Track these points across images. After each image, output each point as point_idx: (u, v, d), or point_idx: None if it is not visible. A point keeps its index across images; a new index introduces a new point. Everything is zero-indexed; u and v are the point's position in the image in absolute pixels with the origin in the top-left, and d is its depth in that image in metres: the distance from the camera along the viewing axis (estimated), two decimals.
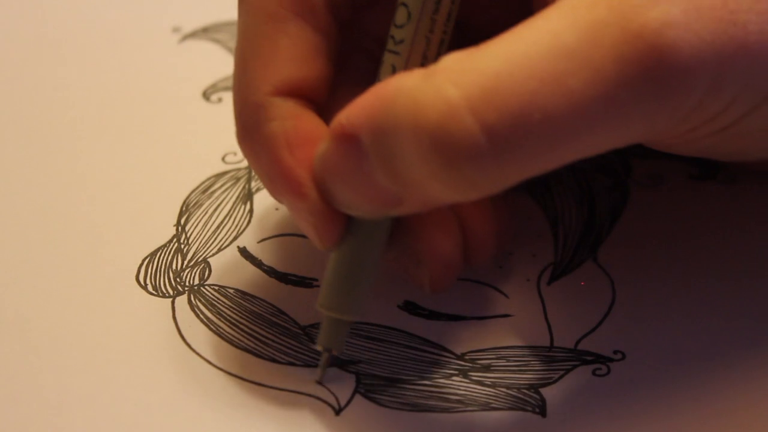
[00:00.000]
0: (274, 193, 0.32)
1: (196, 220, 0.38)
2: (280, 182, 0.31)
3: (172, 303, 0.35)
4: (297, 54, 0.32)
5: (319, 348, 0.32)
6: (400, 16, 0.30)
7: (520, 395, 0.32)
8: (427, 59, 0.30)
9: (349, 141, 0.28)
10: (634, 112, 0.27)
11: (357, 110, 0.28)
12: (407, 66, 0.30)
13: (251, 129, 0.32)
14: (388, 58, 0.30)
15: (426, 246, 0.32)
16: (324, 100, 0.32)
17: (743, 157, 0.33)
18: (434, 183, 0.27)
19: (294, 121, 0.31)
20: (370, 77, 0.31)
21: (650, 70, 0.26)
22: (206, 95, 0.43)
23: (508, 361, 0.33)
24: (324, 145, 0.30)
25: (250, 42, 0.32)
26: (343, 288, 0.31)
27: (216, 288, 0.36)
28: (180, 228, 0.38)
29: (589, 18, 0.27)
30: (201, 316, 0.35)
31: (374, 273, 0.32)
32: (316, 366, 0.33)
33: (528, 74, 0.26)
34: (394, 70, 0.30)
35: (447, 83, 0.27)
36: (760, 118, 0.29)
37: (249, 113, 0.32)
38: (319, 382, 0.33)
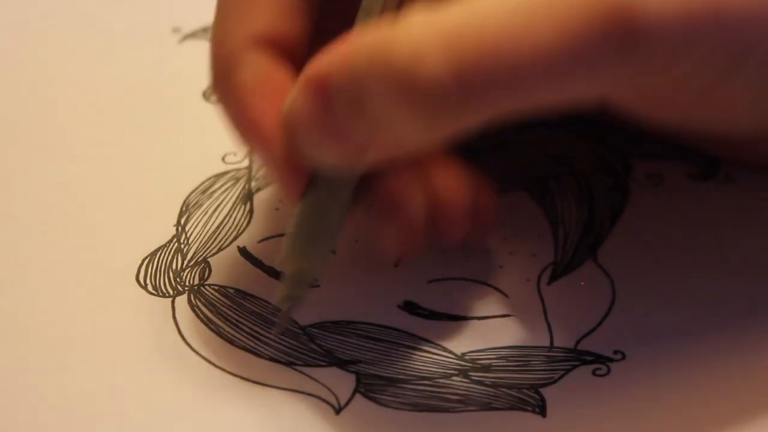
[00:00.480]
0: (241, 141, 0.32)
1: (196, 220, 0.38)
2: (246, 130, 0.31)
3: (172, 303, 0.35)
4: (276, 9, 0.32)
5: (277, 302, 0.32)
6: None
7: (520, 395, 0.32)
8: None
9: (317, 88, 0.29)
10: (599, 66, 0.27)
11: (326, 57, 0.29)
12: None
13: (224, 76, 0.32)
14: (361, 15, 0.31)
15: (387, 201, 0.32)
16: (301, 58, 0.32)
17: (724, 129, 0.33)
18: (400, 123, 0.28)
19: (266, 71, 0.32)
20: None
21: (616, 29, 0.27)
22: (206, 95, 0.43)
23: (508, 361, 0.33)
24: (292, 94, 0.30)
25: None
26: (305, 241, 0.31)
27: (216, 288, 0.36)
28: (180, 228, 0.38)
29: None
30: (201, 316, 0.35)
31: (338, 228, 0.31)
32: (316, 366, 0.33)
33: (495, 21, 0.27)
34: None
35: (417, 27, 0.27)
36: (734, 84, 0.29)
37: (223, 61, 0.32)
38: (277, 333, 0.33)
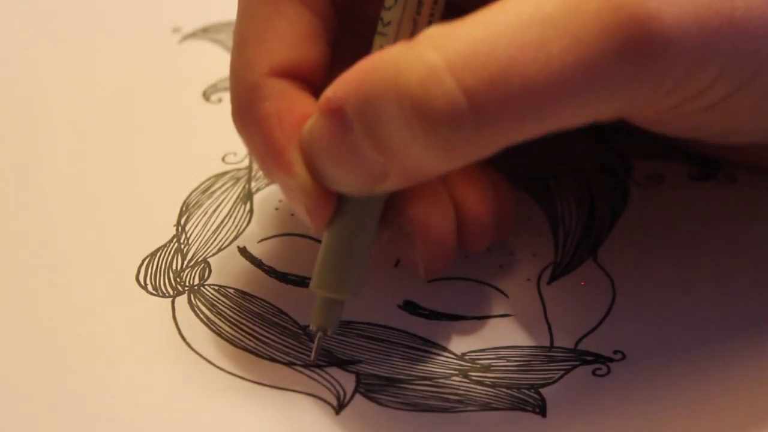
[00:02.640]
0: (265, 171, 0.32)
1: (196, 220, 0.38)
2: (270, 160, 0.31)
3: (172, 303, 0.35)
4: (294, 36, 0.32)
5: (312, 329, 0.32)
6: None
7: (520, 395, 0.32)
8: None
9: (334, 113, 0.29)
10: (615, 82, 0.27)
11: (342, 83, 0.29)
12: None
13: (246, 108, 0.32)
14: (377, 40, 0.31)
15: (417, 225, 0.32)
16: (320, 83, 0.32)
17: (733, 137, 0.33)
18: (416, 148, 0.28)
19: (288, 101, 0.31)
20: None
21: (631, 40, 0.27)
22: (206, 95, 0.43)
23: (508, 361, 0.33)
24: (311, 120, 0.30)
25: (248, 22, 0.32)
26: (336, 267, 0.31)
27: (216, 288, 0.36)
28: (180, 228, 0.38)
29: None
30: (201, 316, 0.35)
31: (367, 252, 0.32)
32: (316, 366, 0.33)
33: (508, 41, 0.27)
34: None
35: (428, 49, 0.27)
36: (747, 95, 0.29)
37: (244, 92, 0.32)
38: (312, 365, 0.33)
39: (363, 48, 0.32)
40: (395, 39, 0.30)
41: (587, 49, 0.26)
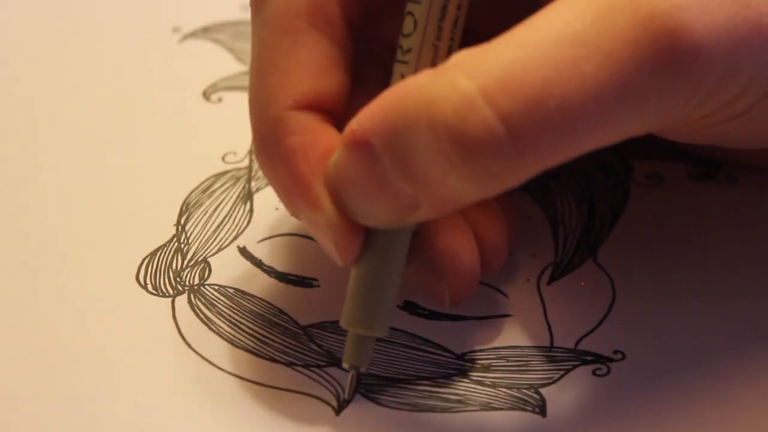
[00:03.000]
0: (291, 207, 0.32)
1: (196, 220, 0.38)
2: (297, 197, 0.31)
3: (172, 303, 0.35)
4: (315, 66, 0.31)
5: (345, 366, 0.32)
6: (407, 25, 0.30)
7: (520, 395, 0.32)
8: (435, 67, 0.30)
9: (361, 146, 0.28)
10: (650, 95, 0.27)
11: (367, 115, 0.28)
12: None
13: (270, 143, 0.31)
14: (397, 68, 0.30)
15: (447, 257, 0.32)
16: (342, 113, 0.32)
17: (756, 144, 0.33)
18: (453, 178, 0.27)
19: (313, 135, 0.31)
20: (385, 87, 0.31)
21: (664, 52, 0.26)
22: (206, 95, 0.43)
23: (508, 361, 0.33)
24: (336, 154, 0.29)
25: (267, 55, 0.32)
26: (367, 303, 0.31)
27: (216, 288, 0.36)
28: (180, 228, 0.38)
29: (600, 3, 0.27)
30: (201, 315, 0.35)
31: (396, 287, 0.31)
32: (316, 366, 0.33)
33: (541, 62, 0.26)
34: (403, 79, 0.30)
35: (459, 76, 0.27)
36: None
37: (267, 127, 0.31)
38: (347, 401, 0.32)
39: (381, 74, 0.32)
40: (416, 66, 0.30)
41: (621, 65, 0.26)
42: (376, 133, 0.28)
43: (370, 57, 0.34)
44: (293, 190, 0.31)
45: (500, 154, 0.26)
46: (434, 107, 0.27)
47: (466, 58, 0.27)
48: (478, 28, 0.31)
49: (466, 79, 0.26)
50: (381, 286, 0.31)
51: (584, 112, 0.26)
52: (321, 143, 0.31)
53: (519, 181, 0.27)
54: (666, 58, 0.26)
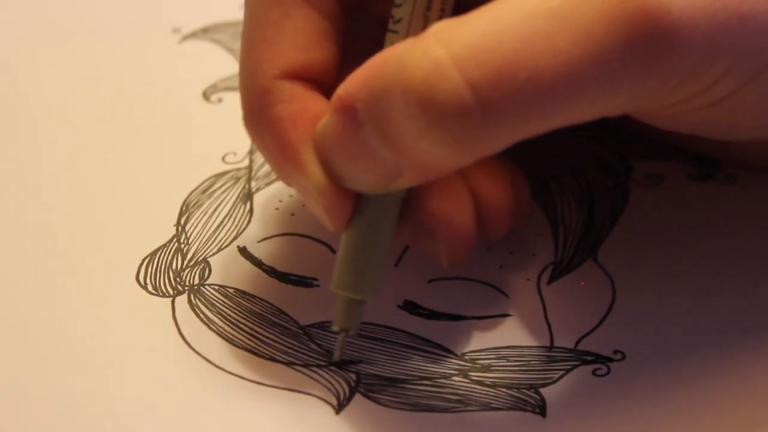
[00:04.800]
0: (280, 174, 0.32)
1: (196, 220, 0.38)
2: (285, 162, 0.31)
3: (172, 303, 0.35)
4: (303, 38, 0.32)
5: (335, 329, 0.32)
6: None
7: (520, 395, 0.32)
8: None
9: (345, 111, 0.29)
10: (623, 75, 0.27)
11: (352, 80, 0.29)
12: None
13: (257, 112, 0.32)
14: (388, 38, 0.31)
15: (438, 219, 0.32)
16: (331, 84, 0.32)
17: (739, 134, 0.33)
18: (424, 143, 0.27)
19: (300, 103, 0.31)
20: None
21: (640, 33, 0.26)
22: (206, 95, 0.43)
23: (508, 361, 0.33)
24: (324, 119, 0.30)
25: (256, 26, 0.32)
26: (356, 267, 0.31)
27: (216, 288, 0.36)
28: (180, 228, 0.38)
29: None
30: (201, 315, 0.35)
31: (387, 251, 0.31)
32: (316, 366, 0.33)
33: (513, 34, 0.26)
34: None
35: (433, 44, 0.27)
36: (753, 91, 0.29)
37: (255, 96, 0.32)
38: (335, 363, 0.33)
39: (372, 48, 0.32)
40: (406, 36, 0.30)
41: (594, 42, 0.26)
42: (359, 98, 0.28)
43: (362, 31, 0.34)
44: (281, 157, 0.31)
45: (467, 121, 0.27)
46: (407, 73, 0.27)
47: (442, 28, 0.27)
48: (472, 3, 0.31)
49: (440, 47, 0.27)
50: (370, 251, 0.31)
51: (554, 87, 0.26)
52: (308, 111, 0.31)
53: (490, 150, 0.28)
54: (641, 39, 0.26)
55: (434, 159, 0.28)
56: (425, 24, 0.30)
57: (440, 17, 0.30)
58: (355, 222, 0.31)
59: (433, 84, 0.27)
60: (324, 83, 0.32)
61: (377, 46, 0.31)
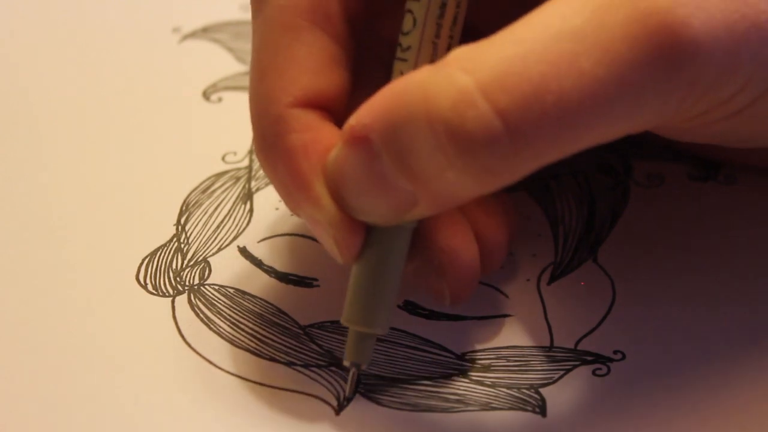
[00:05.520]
0: (291, 205, 0.32)
1: (196, 220, 0.38)
2: (297, 194, 0.31)
3: (172, 302, 0.35)
4: (315, 64, 0.31)
5: (346, 363, 0.32)
6: (407, 23, 0.30)
7: (520, 395, 0.32)
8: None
9: (359, 142, 0.28)
10: (648, 91, 0.27)
11: (366, 111, 0.28)
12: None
13: (270, 141, 0.31)
14: (396, 65, 0.30)
15: (447, 256, 0.32)
16: (343, 111, 0.32)
17: (754, 143, 0.33)
18: (451, 174, 0.27)
19: (313, 133, 0.31)
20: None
21: (662, 48, 0.26)
22: (206, 95, 0.43)
23: (508, 361, 0.33)
24: (335, 151, 0.29)
25: (267, 53, 0.32)
26: (367, 301, 0.31)
27: (216, 287, 0.36)
28: (180, 227, 0.38)
29: (598, 0, 0.27)
30: (201, 315, 0.35)
31: (397, 284, 0.31)
32: (316, 366, 0.33)
33: (538, 57, 0.26)
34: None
35: (457, 71, 0.27)
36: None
37: (268, 125, 0.31)
38: (349, 398, 0.32)
39: (382, 72, 0.32)
40: (415, 64, 0.30)
41: (618, 61, 0.26)
42: (375, 129, 0.28)
43: (371, 55, 0.34)
44: (293, 187, 0.31)
45: (497, 149, 0.26)
46: (432, 102, 0.27)
47: (464, 54, 0.27)
48: (479, 26, 0.31)
49: (464, 74, 0.26)
50: (381, 284, 0.31)
51: (582, 108, 0.26)
52: (321, 141, 0.31)
53: (517, 177, 0.27)
54: (664, 55, 0.26)
55: (459, 188, 0.28)
56: (435, 51, 0.30)
57: (449, 44, 0.30)
58: (366, 254, 0.31)
59: (460, 112, 0.26)
60: (335, 110, 0.32)
61: (387, 69, 0.31)
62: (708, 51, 0.27)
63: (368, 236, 0.30)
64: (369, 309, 0.31)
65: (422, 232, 0.32)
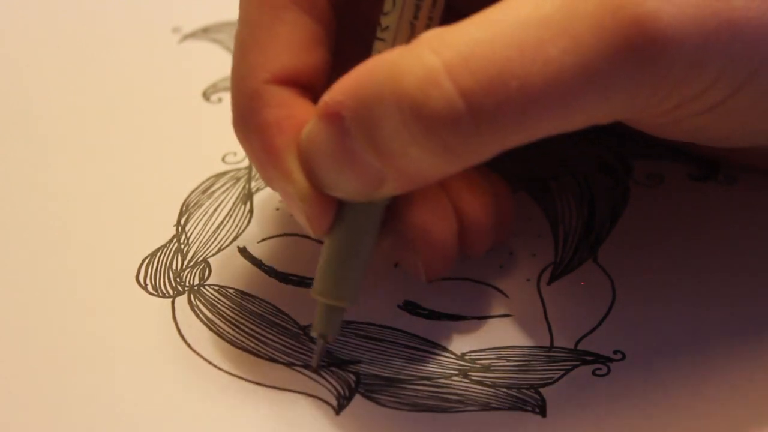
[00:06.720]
0: (265, 178, 0.32)
1: (196, 220, 0.38)
2: (269, 167, 0.31)
3: (172, 303, 0.35)
4: (295, 43, 0.32)
5: (313, 334, 0.32)
6: (387, 3, 0.30)
7: (520, 395, 0.32)
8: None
9: (331, 118, 0.29)
10: (615, 83, 0.27)
11: (339, 88, 0.29)
12: None
13: (246, 115, 0.32)
14: (376, 46, 0.31)
15: (418, 231, 0.32)
16: (321, 89, 0.32)
17: (731, 142, 0.33)
18: (415, 151, 0.28)
19: (288, 108, 0.31)
20: None
21: (631, 40, 0.26)
22: (206, 95, 0.43)
23: (508, 361, 0.33)
24: (308, 126, 0.30)
25: (249, 30, 0.32)
26: (337, 274, 0.31)
27: (216, 288, 0.36)
28: (180, 228, 0.38)
29: None
30: (201, 316, 0.35)
31: (367, 259, 0.32)
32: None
33: (506, 42, 0.26)
34: None
35: (426, 51, 0.27)
36: (745, 97, 0.29)
37: (245, 100, 0.32)
38: (315, 369, 0.33)
39: (364, 53, 0.32)
40: (393, 44, 0.30)
41: (586, 50, 0.26)
42: (346, 105, 0.28)
43: (355, 35, 0.34)
44: (266, 161, 0.31)
45: (459, 129, 0.27)
46: (399, 80, 0.27)
47: (435, 35, 0.27)
48: (462, 10, 0.31)
49: (432, 55, 0.27)
50: (351, 258, 0.31)
51: (546, 95, 0.26)
52: (296, 117, 0.31)
53: (481, 157, 0.28)
54: (632, 47, 0.26)
55: (422, 166, 0.28)
56: (412, 32, 0.30)
57: (428, 25, 0.30)
58: (336, 229, 0.31)
59: (425, 91, 0.27)
60: (314, 88, 0.32)
61: (368, 49, 0.31)
62: (677, 45, 0.27)
63: (340, 211, 0.31)
64: (338, 283, 0.31)
65: (397, 207, 0.32)
